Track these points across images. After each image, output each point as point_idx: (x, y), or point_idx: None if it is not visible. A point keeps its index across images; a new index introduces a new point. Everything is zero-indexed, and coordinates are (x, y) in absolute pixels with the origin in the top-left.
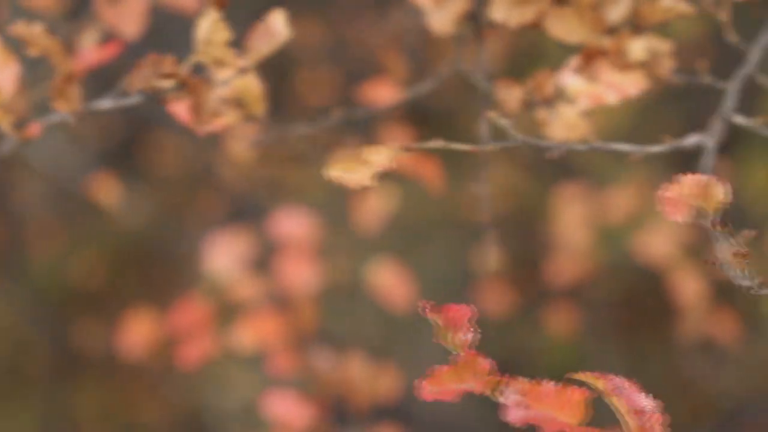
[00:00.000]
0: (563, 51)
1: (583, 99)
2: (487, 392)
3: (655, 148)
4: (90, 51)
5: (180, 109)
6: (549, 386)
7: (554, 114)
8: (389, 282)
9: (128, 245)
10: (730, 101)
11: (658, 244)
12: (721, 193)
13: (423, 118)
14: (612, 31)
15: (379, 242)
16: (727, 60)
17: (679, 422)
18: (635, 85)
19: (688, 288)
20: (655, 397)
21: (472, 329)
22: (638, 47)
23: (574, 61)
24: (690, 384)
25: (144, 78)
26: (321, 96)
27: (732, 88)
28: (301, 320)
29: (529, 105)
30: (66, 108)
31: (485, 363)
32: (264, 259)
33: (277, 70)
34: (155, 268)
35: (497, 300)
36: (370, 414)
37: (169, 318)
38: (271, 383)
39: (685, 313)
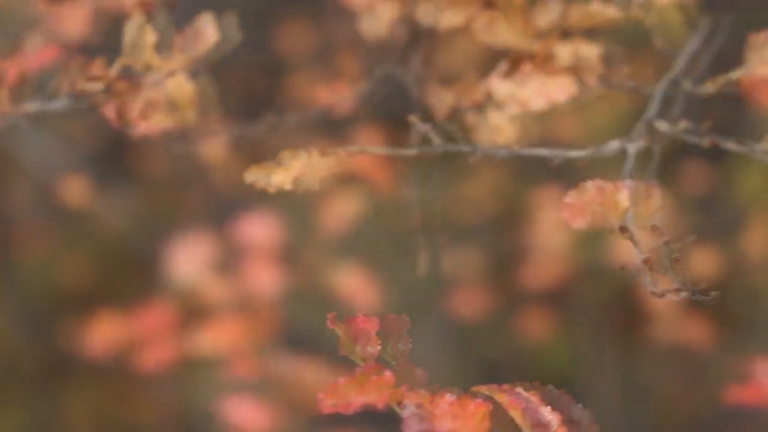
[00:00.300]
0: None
1: (510, 104)
2: (390, 405)
3: (576, 154)
4: (30, 54)
5: (109, 111)
6: (449, 399)
7: (482, 119)
8: (355, 286)
9: (116, 247)
10: (654, 106)
11: (632, 248)
12: (625, 199)
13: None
14: (541, 35)
15: (351, 246)
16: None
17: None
18: (563, 91)
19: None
20: (647, 399)
21: (378, 341)
22: (566, 52)
23: (502, 65)
24: (671, 389)
25: (72, 80)
26: (314, 97)
27: (657, 93)
28: (264, 324)
29: (458, 110)
30: None
31: (389, 375)
32: (231, 263)
33: (270, 72)
34: (139, 270)
35: (473, 303)
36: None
37: (134, 321)
38: (233, 387)
39: (656, 318)
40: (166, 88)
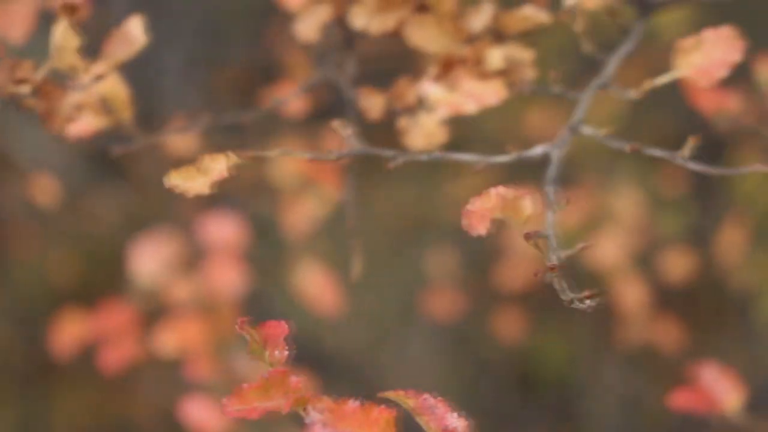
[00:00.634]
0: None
1: (442, 107)
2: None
3: (500, 158)
4: None
5: (39, 114)
6: (354, 405)
7: (414, 122)
8: (317, 286)
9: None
10: (580, 111)
11: (606, 250)
12: (529, 206)
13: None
14: (473, 39)
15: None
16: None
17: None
18: (494, 94)
19: (631, 295)
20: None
21: (287, 346)
22: (497, 56)
23: (433, 69)
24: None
25: (2, 83)
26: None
27: (584, 98)
28: (225, 324)
29: (391, 113)
30: None
31: (296, 380)
32: (195, 262)
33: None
34: (116, 269)
35: (450, 304)
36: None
37: (96, 320)
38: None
39: (627, 320)
40: (97, 91)
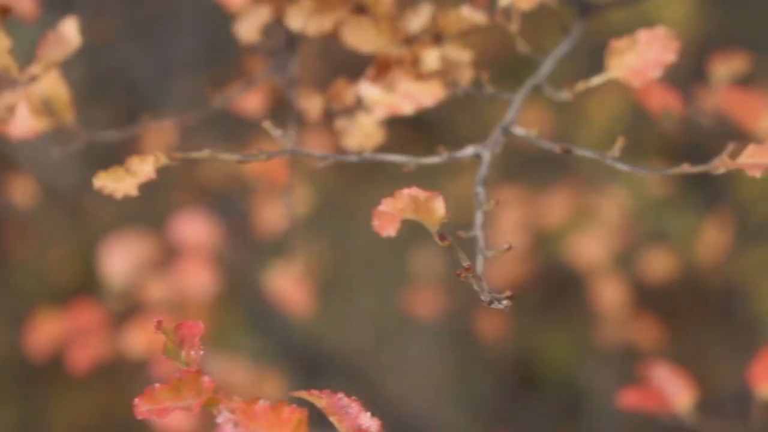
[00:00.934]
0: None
1: (379, 108)
2: (207, 410)
3: (431, 160)
4: None
5: None
6: (264, 405)
7: (352, 123)
8: (288, 286)
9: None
10: (513, 111)
11: (587, 249)
12: (441, 208)
13: (428, 126)
14: (412, 40)
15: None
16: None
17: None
18: (431, 95)
19: (609, 294)
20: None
21: (202, 347)
22: (433, 57)
23: (371, 70)
24: None
25: None
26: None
27: (517, 99)
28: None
29: (330, 114)
30: None
31: (208, 380)
32: (166, 262)
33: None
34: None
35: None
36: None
37: (67, 320)
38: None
39: (605, 319)
40: (36, 92)
